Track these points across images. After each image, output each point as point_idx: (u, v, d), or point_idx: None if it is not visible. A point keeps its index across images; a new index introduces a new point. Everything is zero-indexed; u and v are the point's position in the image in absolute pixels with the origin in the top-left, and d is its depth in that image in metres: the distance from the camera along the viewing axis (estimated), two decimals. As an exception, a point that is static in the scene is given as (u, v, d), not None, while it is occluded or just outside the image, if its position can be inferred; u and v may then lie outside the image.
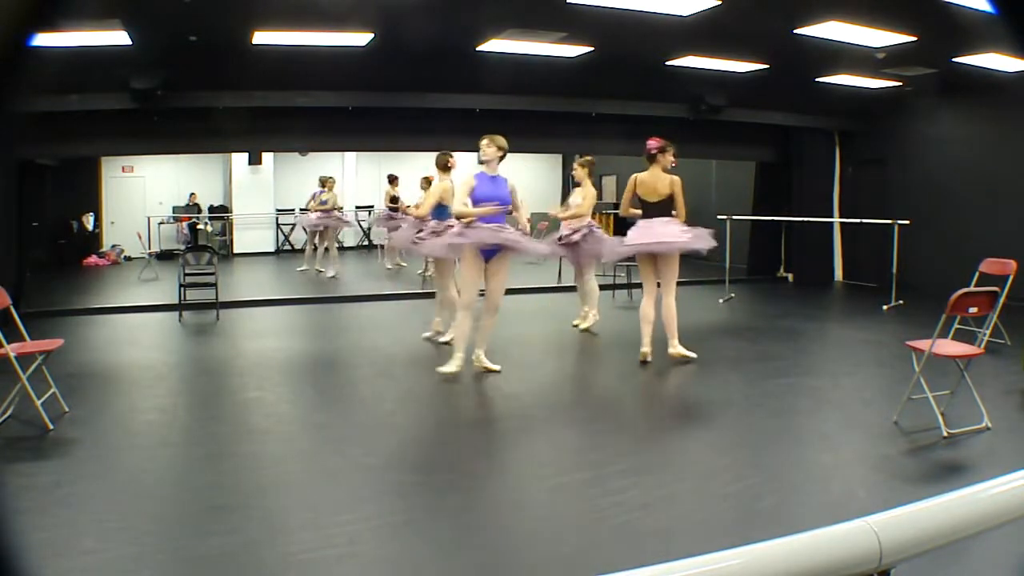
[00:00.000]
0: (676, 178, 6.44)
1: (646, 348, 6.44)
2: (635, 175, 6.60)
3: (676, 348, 6.48)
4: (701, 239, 6.45)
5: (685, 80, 9.73)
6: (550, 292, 10.84)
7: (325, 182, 12.78)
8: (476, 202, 5.77)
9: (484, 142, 5.99)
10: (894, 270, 9.68)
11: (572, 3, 6.41)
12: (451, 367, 5.83)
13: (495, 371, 6.04)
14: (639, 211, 6.59)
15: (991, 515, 1.28)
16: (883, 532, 1.15)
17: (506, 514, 3.63)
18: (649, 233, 6.38)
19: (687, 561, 1.04)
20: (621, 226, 17.44)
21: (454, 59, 8.60)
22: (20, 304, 7.10)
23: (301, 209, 12.84)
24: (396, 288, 11.43)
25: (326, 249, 12.86)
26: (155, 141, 9.91)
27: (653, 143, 6.52)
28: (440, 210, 6.79)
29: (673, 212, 6.43)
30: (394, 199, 13.05)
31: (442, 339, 7.13)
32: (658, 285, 6.56)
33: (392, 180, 13.37)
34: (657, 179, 6.45)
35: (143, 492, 3.83)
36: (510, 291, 9.75)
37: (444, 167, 7.03)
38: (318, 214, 12.58)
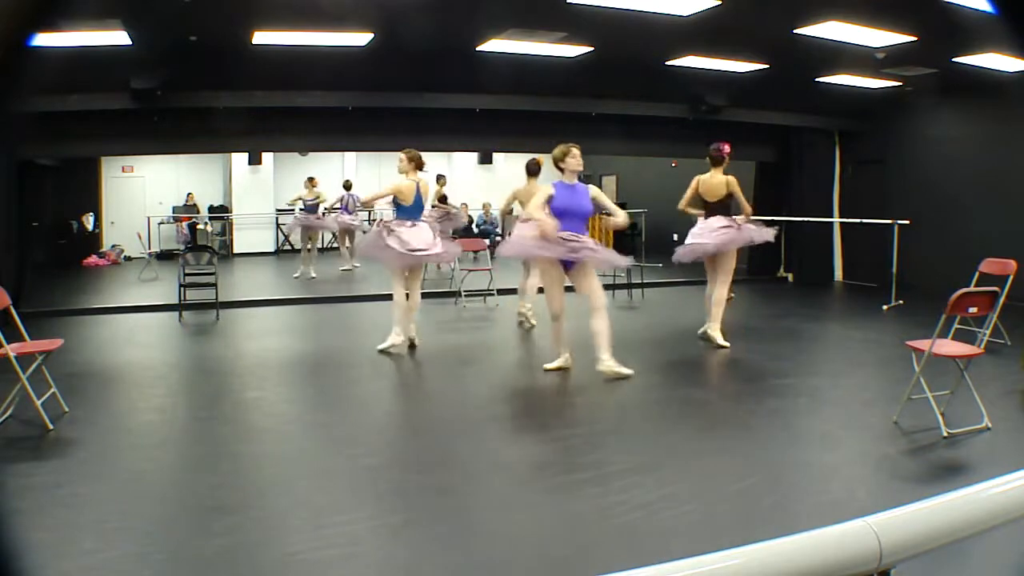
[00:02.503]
0: (732, 178, 7.07)
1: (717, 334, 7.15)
2: (698, 177, 7.22)
3: (714, 331, 7.17)
4: (757, 233, 7.17)
5: (685, 80, 9.73)
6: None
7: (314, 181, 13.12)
8: (556, 213, 5.79)
9: (576, 151, 5.98)
10: (894, 270, 9.69)
11: (572, 3, 6.41)
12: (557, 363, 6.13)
13: (626, 375, 5.94)
14: (701, 211, 7.24)
15: (991, 515, 1.28)
16: (883, 532, 1.15)
17: (506, 514, 3.63)
18: (708, 233, 7.04)
19: (687, 561, 1.04)
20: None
21: (454, 59, 8.60)
22: (20, 304, 7.10)
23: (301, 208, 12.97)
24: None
25: (308, 249, 12.95)
26: (155, 141, 9.91)
27: (727, 147, 7.12)
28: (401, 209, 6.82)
29: (731, 212, 7.13)
30: (443, 198, 13.05)
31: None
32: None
33: (440, 179, 13.33)
34: (717, 181, 7.07)
35: (143, 492, 3.83)
36: (512, 291, 9.78)
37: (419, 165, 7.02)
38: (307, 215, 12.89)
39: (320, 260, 13.44)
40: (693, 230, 7.22)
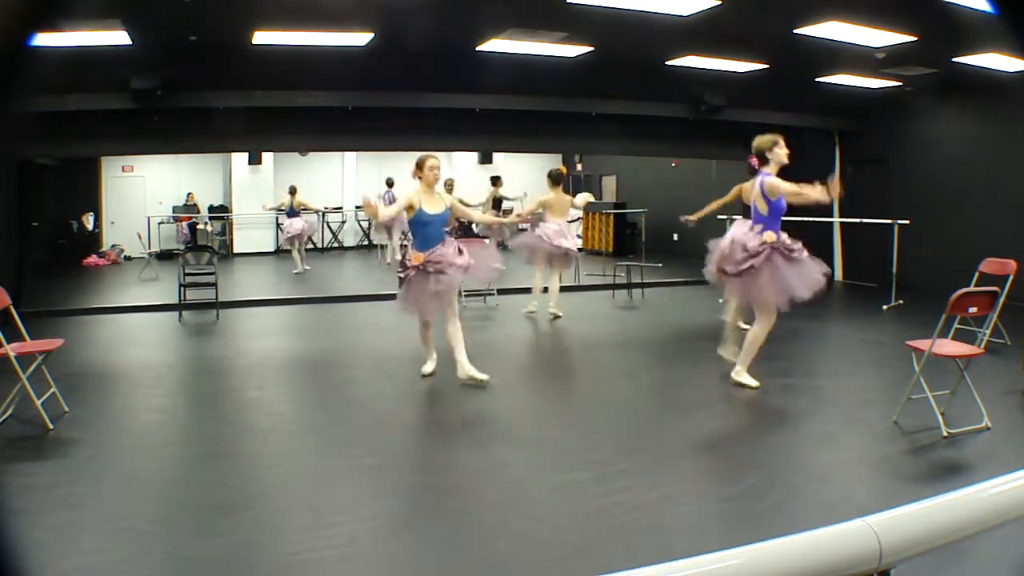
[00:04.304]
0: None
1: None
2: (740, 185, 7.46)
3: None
4: None
5: (685, 80, 9.72)
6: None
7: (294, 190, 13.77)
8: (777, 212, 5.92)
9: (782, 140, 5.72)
10: (894, 270, 9.68)
11: (572, 3, 6.41)
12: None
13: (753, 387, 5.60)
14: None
15: (991, 515, 1.28)
16: (883, 532, 1.15)
17: (506, 514, 3.63)
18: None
19: (687, 561, 1.04)
20: (621, 226, 17.31)
21: (454, 59, 8.60)
22: (20, 304, 7.10)
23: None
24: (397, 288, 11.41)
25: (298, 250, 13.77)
26: (155, 141, 9.90)
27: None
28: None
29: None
30: (498, 201, 13.21)
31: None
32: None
33: (496, 181, 13.54)
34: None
35: (143, 492, 3.83)
36: (513, 291, 9.78)
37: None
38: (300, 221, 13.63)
39: (337, 258, 13.69)
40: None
